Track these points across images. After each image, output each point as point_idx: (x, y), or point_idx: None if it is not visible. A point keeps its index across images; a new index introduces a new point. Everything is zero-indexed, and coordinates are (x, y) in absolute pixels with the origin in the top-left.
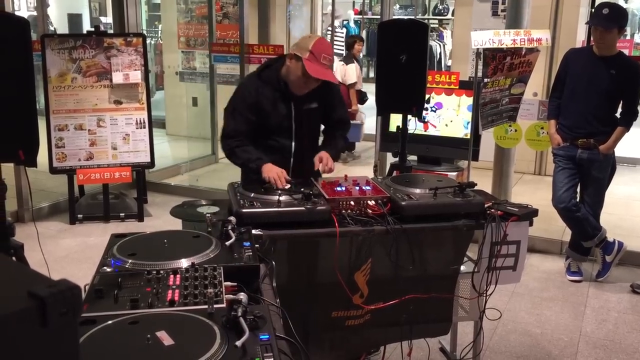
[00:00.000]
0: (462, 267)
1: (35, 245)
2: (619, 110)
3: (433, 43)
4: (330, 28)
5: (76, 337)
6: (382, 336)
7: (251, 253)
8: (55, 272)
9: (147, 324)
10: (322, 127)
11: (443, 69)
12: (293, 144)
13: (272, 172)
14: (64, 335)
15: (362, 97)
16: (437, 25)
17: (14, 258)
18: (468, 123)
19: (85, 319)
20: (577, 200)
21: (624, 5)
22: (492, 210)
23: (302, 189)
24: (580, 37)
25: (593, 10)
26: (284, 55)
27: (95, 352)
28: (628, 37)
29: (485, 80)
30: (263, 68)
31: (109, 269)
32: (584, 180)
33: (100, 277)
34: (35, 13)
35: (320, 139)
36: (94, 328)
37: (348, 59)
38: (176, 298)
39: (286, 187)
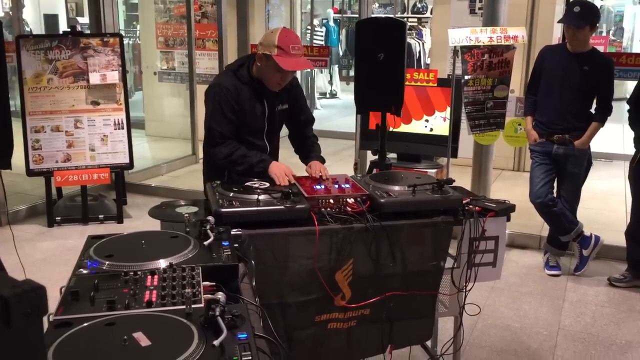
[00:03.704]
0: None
1: (11, 248)
2: (594, 106)
3: (412, 41)
4: (309, 27)
5: (41, 337)
6: (364, 344)
7: (230, 252)
8: (32, 275)
9: (123, 325)
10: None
11: (422, 67)
12: (267, 144)
13: (280, 170)
14: (29, 336)
15: None
16: (416, 24)
17: None
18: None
19: (60, 321)
20: (554, 195)
21: (600, 3)
22: (470, 206)
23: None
24: (556, 35)
25: (566, 7)
26: (253, 53)
27: (71, 354)
28: (604, 34)
29: (466, 77)
30: (238, 67)
31: (85, 271)
32: (561, 175)
33: (76, 279)
34: (10, 13)
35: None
36: (70, 330)
37: None
38: (154, 299)
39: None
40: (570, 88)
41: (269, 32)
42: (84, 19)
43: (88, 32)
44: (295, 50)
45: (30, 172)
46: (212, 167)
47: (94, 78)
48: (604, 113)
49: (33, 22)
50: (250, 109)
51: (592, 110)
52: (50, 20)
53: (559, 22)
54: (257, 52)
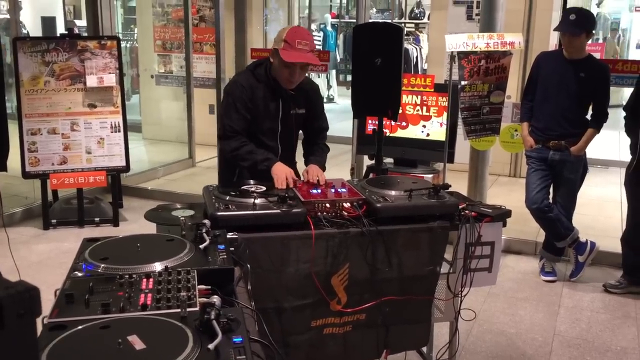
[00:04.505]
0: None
1: (7, 251)
2: (590, 112)
3: (409, 47)
4: None
5: (35, 339)
6: (360, 349)
7: (225, 256)
8: (27, 277)
9: (118, 328)
10: (302, 134)
11: (420, 73)
12: (279, 146)
13: (281, 172)
14: (22, 337)
15: None
16: (413, 29)
17: None
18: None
19: (55, 324)
20: (550, 201)
21: (596, 10)
22: (466, 211)
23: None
24: (553, 41)
25: (561, 14)
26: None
27: (65, 357)
28: (600, 41)
29: (463, 83)
30: (255, 66)
31: (80, 274)
32: (556, 181)
33: (71, 282)
34: (8, 16)
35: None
36: (64, 333)
37: None
38: (149, 302)
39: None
40: (567, 94)
41: (281, 29)
42: (82, 22)
43: (85, 34)
44: (302, 45)
45: (26, 175)
46: (227, 163)
47: (91, 81)
48: (600, 119)
49: (30, 25)
50: (264, 108)
51: (588, 117)
52: (48, 22)
53: (554, 30)
54: (272, 48)
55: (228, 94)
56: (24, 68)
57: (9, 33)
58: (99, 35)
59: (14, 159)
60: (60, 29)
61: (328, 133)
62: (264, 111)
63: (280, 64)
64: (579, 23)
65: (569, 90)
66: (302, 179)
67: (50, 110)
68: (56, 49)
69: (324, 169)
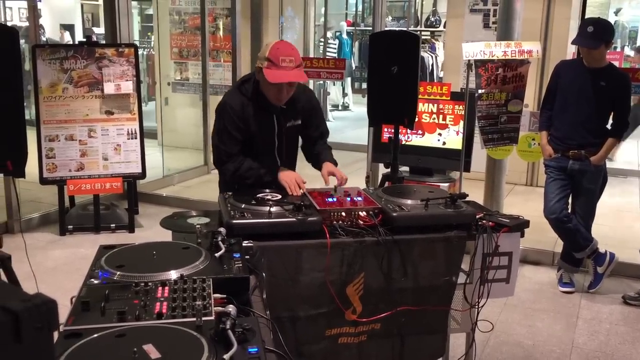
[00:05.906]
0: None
1: (23, 256)
2: (610, 121)
3: (425, 55)
4: (322, 39)
5: (52, 353)
6: (375, 359)
7: (241, 264)
8: (43, 283)
9: (134, 337)
10: (302, 141)
11: (435, 81)
12: (278, 160)
13: (290, 178)
14: (39, 351)
15: None
16: (429, 37)
17: (0, 270)
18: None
19: (70, 332)
20: (569, 211)
21: (615, 18)
22: (484, 221)
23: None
24: (570, 49)
25: (579, 26)
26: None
27: None
28: (618, 49)
29: (480, 91)
30: (242, 82)
31: (96, 281)
32: (576, 191)
33: (87, 289)
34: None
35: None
36: (80, 341)
37: None
38: (164, 310)
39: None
40: (587, 103)
41: (264, 46)
42: (100, 29)
43: (103, 42)
44: (286, 63)
45: (43, 181)
46: (225, 181)
47: (109, 88)
48: (620, 129)
49: (50, 32)
50: (259, 125)
51: (608, 126)
52: (67, 30)
53: (572, 43)
54: (256, 66)
55: (219, 118)
56: (43, 75)
57: (28, 40)
58: (117, 42)
59: (31, 165)
60: (79, 36)
61: (343, 141)
62: (258, 129)
63: (266, 82)
64: (596, 35)
65: (589, 99)
66: (326, 183)
67: (68, 116)
68: (74, 56)
69: (336, 164)
